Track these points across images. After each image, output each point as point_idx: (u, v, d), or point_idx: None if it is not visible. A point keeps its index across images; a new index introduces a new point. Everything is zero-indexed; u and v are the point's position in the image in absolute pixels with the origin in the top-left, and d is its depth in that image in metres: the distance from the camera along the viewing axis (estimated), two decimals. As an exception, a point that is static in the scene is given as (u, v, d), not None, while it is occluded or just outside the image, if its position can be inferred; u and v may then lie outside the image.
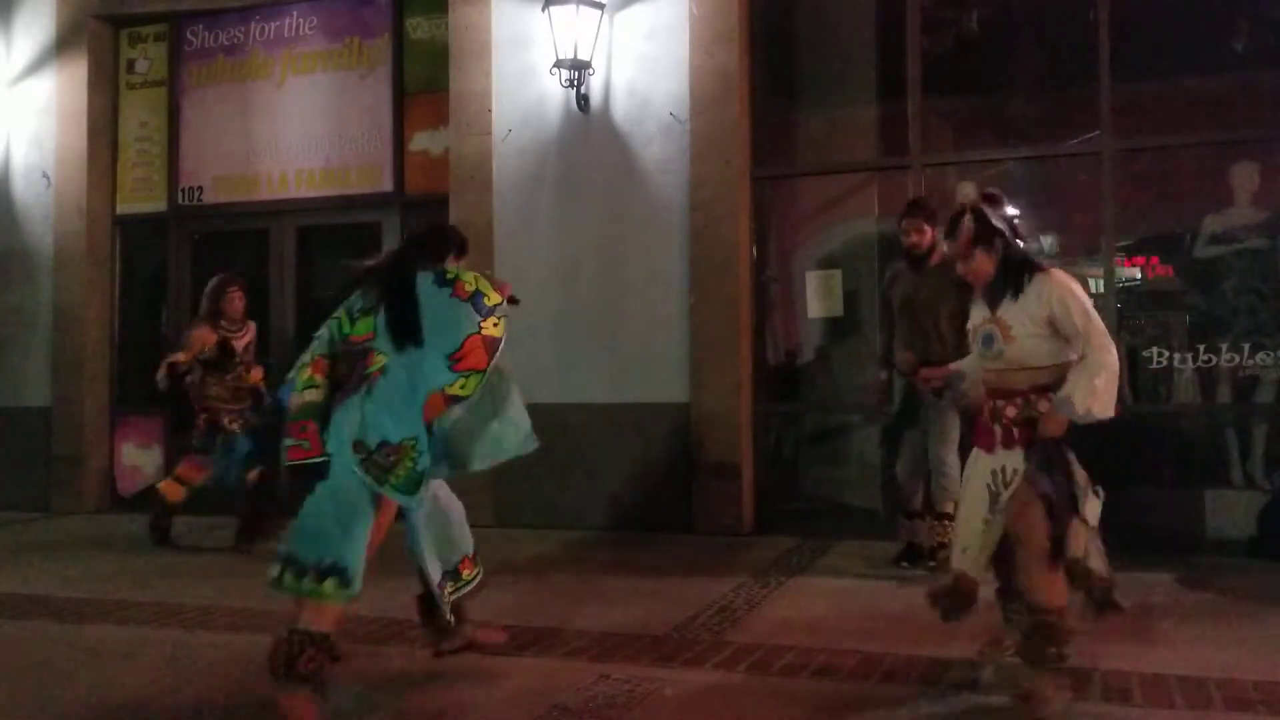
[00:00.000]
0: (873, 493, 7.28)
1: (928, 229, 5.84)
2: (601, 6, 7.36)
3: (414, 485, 3.64)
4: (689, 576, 5.83)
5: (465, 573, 4.06)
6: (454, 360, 3.64)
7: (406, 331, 3.69)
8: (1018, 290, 3.71)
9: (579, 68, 7.37)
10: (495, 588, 5.41)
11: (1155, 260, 7.23)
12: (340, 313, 3.86)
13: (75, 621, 5.08)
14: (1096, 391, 3.52)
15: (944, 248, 5.78)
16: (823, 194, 8.18)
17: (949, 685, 3.86)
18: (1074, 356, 3.61)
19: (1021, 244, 3.82)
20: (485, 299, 3.75)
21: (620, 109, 7.48)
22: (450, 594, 3.99)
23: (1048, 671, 3.50)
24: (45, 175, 8.99)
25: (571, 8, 7.25)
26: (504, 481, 7.52)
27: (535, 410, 7.73)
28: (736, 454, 7.19)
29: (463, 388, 3.67)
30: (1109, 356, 3.56)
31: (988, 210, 3.83)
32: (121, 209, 9.10)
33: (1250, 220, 6.62)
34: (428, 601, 4.04)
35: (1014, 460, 3.67)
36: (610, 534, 7.10)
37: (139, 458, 8.97)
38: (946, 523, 5.62)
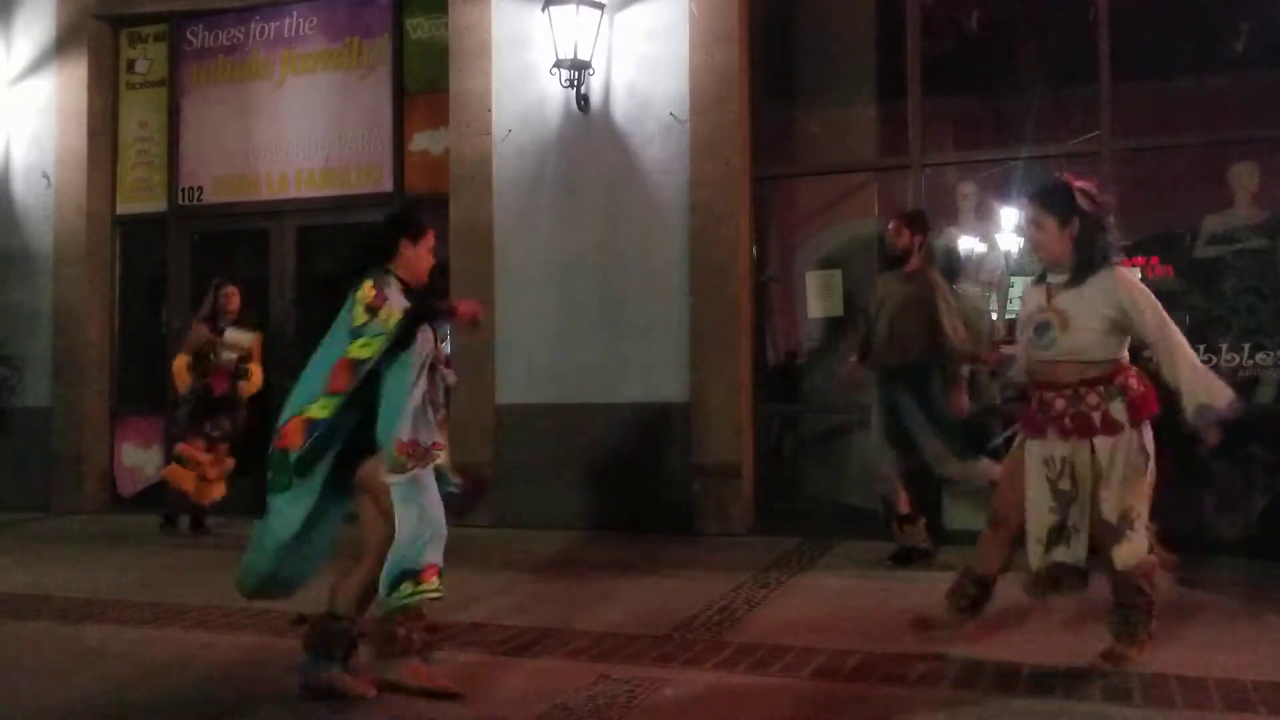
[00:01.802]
0: (873, 493, 7.27)
1: (906, 231, 6.02)
2: (601, 6, 7.36)
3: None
4: (689, 576, 5.83)
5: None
6: (326, 381, 3.73)
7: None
8: (1081, 280, 3.70)
9: (579, 68, 7.37)
10: (495, 588, 5.43)
11: (1155, 260, 7.22)
12: None
13: (76, 621, 5.08)
14: (1215, 383, 3.63)
15: (915, 259, 6.01)
16: (823, 194, 8.18)
17: (949, 685, 3.85)
18: (1125, 354, 3.71)
19: (1105, 237, 3.79)
20: (354, 320, 3.73)
21: (620, 109, 7.48)
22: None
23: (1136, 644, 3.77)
24: (45, 175, 8.99)
25: (571, 8, 7.25)
26: (504, 482, 7.53)
27: (536, 410, 7.74)
28: (736, 454, 7.19)
29: (322, 408, 3.70)
30: (1188, 348, 3.68)
31: (1081, 190, 3.79)
32: (121, 209, 9.11)
33: (1250, 220, 6.62)
34: None
35: (1064, 449, 3.74)
36: (610, 534, 7.10)
37: (139, 458, 8.97)
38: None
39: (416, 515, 3.74)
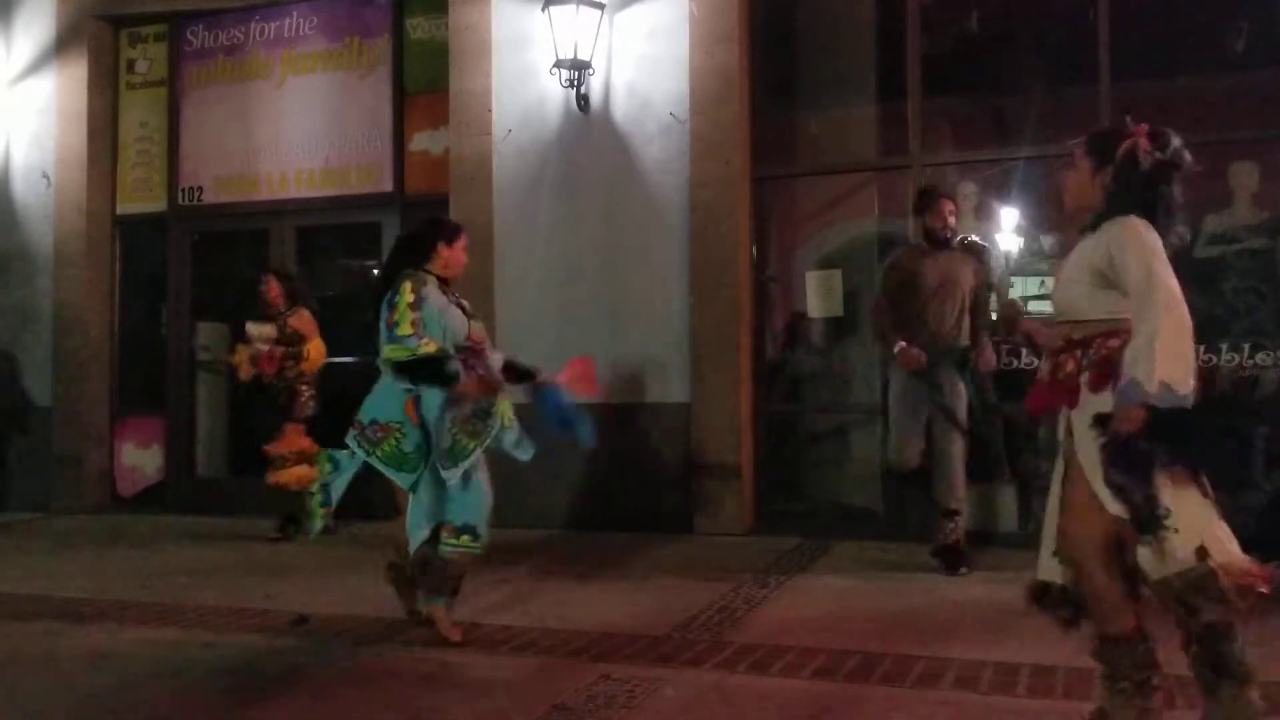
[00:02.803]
0: (873, 493, 7.28)
1: (957, 211, 5.97)
2: (601, 6, 7.36)
3: (398, 463, 4.37)
4: (689, 576, 5.83)
5: (444, 535, 4.48)
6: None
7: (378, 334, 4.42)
8: (1094, 229, 3.14)
9: (579, 68, 7.37)
10: (495, 588, 5.43)
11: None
12: None
13: (75, 621, 5.08)
14: (1160, 357, 2.79)
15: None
16: (823, 194, 8.18)
17: (949, 685, 3.85)
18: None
19: (1153, 193, 3.20)
20: (397, 329, 4.33)
21: (620, 109, 7.48)
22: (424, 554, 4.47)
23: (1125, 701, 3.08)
24: (45, 175, 8.99)
25: (571, 8, 7.25)
26: (504, 482, 7.51)
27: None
28: (736, 454, 7.19)
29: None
30: (1172, 314, 2.86)
31: (1140, 144, 3.21)
32: (121, 209, 9.11)
33: (1250, 220, 6.62)
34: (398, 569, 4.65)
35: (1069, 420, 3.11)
36: (610, 534, 7.10)
37: (139, 458, 8.97)
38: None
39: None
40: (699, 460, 7.21)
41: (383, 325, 4.35)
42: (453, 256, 4.55)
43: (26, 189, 9.05)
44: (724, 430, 7.18)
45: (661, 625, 4.71)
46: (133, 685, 4.08)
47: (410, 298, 4.31)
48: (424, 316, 4.32)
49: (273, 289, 7.29)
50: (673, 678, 3.98)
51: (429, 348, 4.30)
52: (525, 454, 4.73)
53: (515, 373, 4.72)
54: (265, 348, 7.15)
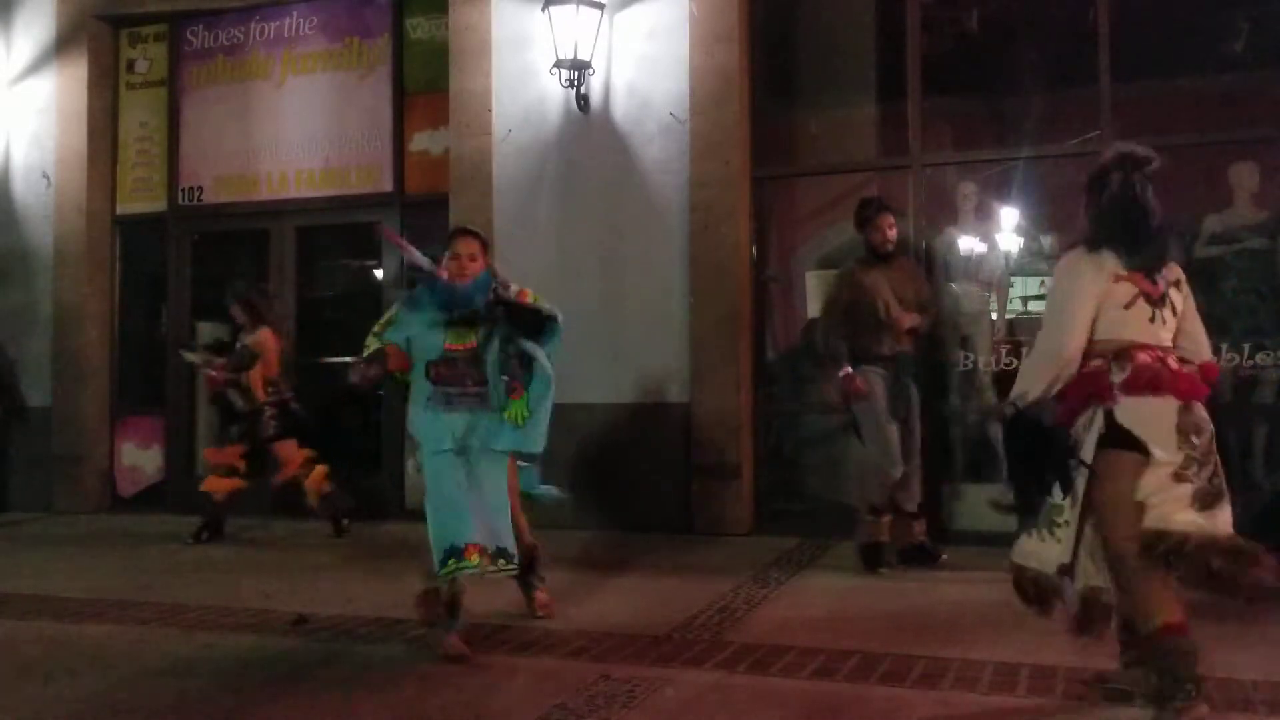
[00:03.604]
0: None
1: (895, 225, 6.11)
2: (601, 6, 7.36)
3: None
4: (689, 576, 5.83)
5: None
6: None
7: None
8: None
9: (579, 68, 7.37)
10: (494, 588, 5.43)
11: (1155, 260, 7.23)
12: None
13: (75, 621, 5.08)
14: (1021, 373, 3.59)
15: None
16: (823, 194, 8.17)
17: (949, 685, 3.85)
18: (1103, 343, 3.44)
19: (1122, 227, 3.46)
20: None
21: (620, 109, 7.48)
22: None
23: None
24: (45, 175, 8.99)
25: (571, 8, 7.25)
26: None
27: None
28: (736, 454, 7.19)
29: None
30: (1045, 343, 3.50)
31: (1113, 173, 3.51)
32: (121, 209, 9.11)
33: (1250, 220, 6.61)
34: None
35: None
36: (610, 534, 7.10)
37: (139, 458, 8.97)
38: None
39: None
40: (699, 460, 7.21)
41: None
42: (449, 265, 4.59)
43: (26, 189, 9.05)
44: (724, 430, 7.18)
45: (661, 625, 4.71)
46: (133, 685, 4.08)
47: (391, 313, 4.71)
48: (396, 324, 4.63)
49: (236, 314, 7.39)
50: (673, 678, 3.98)
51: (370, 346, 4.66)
52: (548, 495, 5.12)
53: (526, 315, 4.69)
54: (212, 371, 7.32)
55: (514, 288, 4.64)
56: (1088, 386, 3.44)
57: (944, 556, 5.98)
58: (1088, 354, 3.46)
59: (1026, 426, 3.47)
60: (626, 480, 7.32)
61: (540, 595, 4.93)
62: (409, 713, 3.73)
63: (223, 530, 7.37)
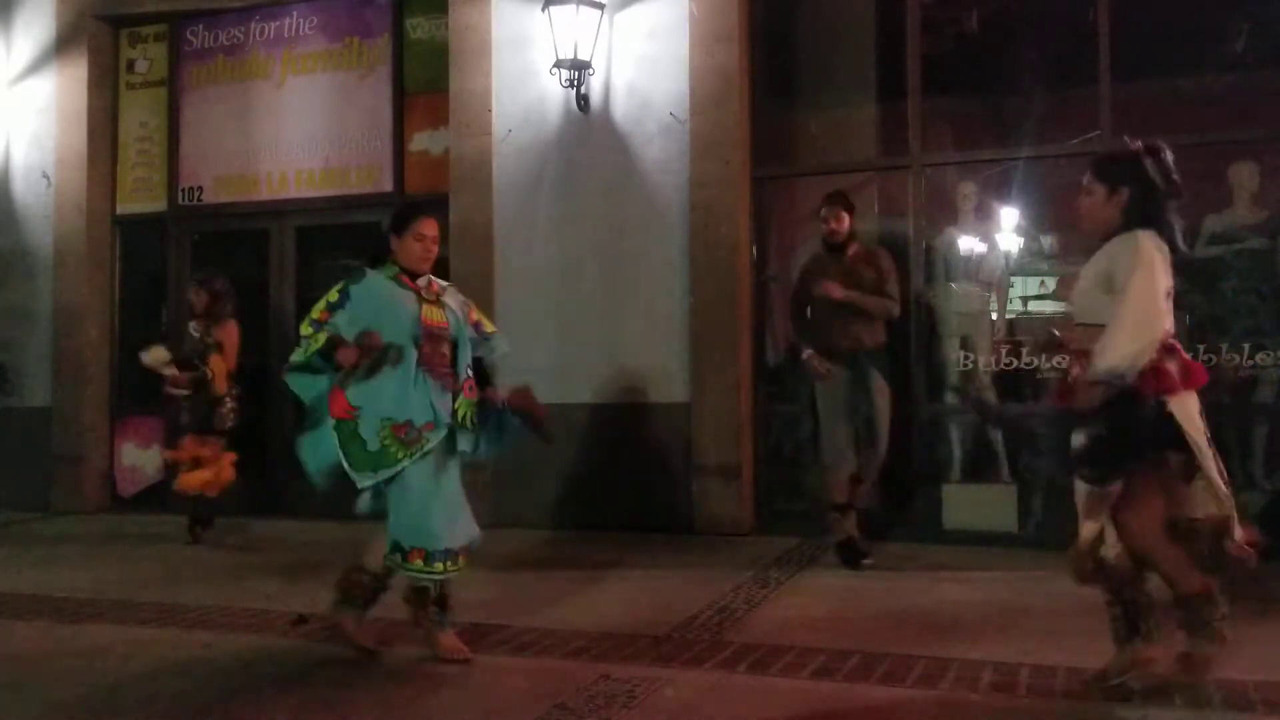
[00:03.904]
0: (872, 493, 7.26)
1: (846, 217, 6.12)
2: (601, 6, 7.36)
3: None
4: (689, 576, 5.83)
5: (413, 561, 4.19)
6: None
7: None
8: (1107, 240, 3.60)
9: (579, 68, 7.37)
10: (495, 588, 5.43)
11: (1155, 260, 7.23)
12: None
13: (75, 621, 5.08)
14: (1110, 345, 3.35)
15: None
16: (823, 194, 8.16)
17: (949, 685, 3.85)
18: None
19: (1161, 215, 3.61)
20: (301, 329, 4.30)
21: (620, 109, 7.48)
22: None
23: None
24: (45, 175, 8.99)
25: (571, 8, 7.25)
26: (504, 482, 7.52)
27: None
28: (736, 454, 7.19)
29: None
30: (1141, 318, 3.36)
31: (1157, 161, 3.66)
32: (121, 209, 9.11)
33: (1250, 220, 6.62)
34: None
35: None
36: (611, 534, 7.10)
37: (139, 458, 8.97)
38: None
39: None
40: (699, 460, 7.21)
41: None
42: (404, 246, 4.27)
43: (26, 189, 9.05)
44: (724, 430, 7.18)
45: (661, 625, 4.71)
46: (133, 685, 4.08)
47: (334, 297, 4.22)
48: (350, 315, 4.17)
49: (200, 299, 7.32)
50: (673, 678, 3.98)
51: (316, 343, 4.16)
52: (487, 453, 4.56)
53: (481, 377, 4.48)
54: (169, 372, 7.27)
55: (458, 298, 4.44)
56: (1158, 381, 3.41)
57: (868, 561, 5.95)
58: None
59: (1130, 402, 3.38)
60: (626, 480, 7.32)
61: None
62: (409, 713, 3.73)
63: (212, 522, 7.30)
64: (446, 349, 4.28)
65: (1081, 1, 6.85)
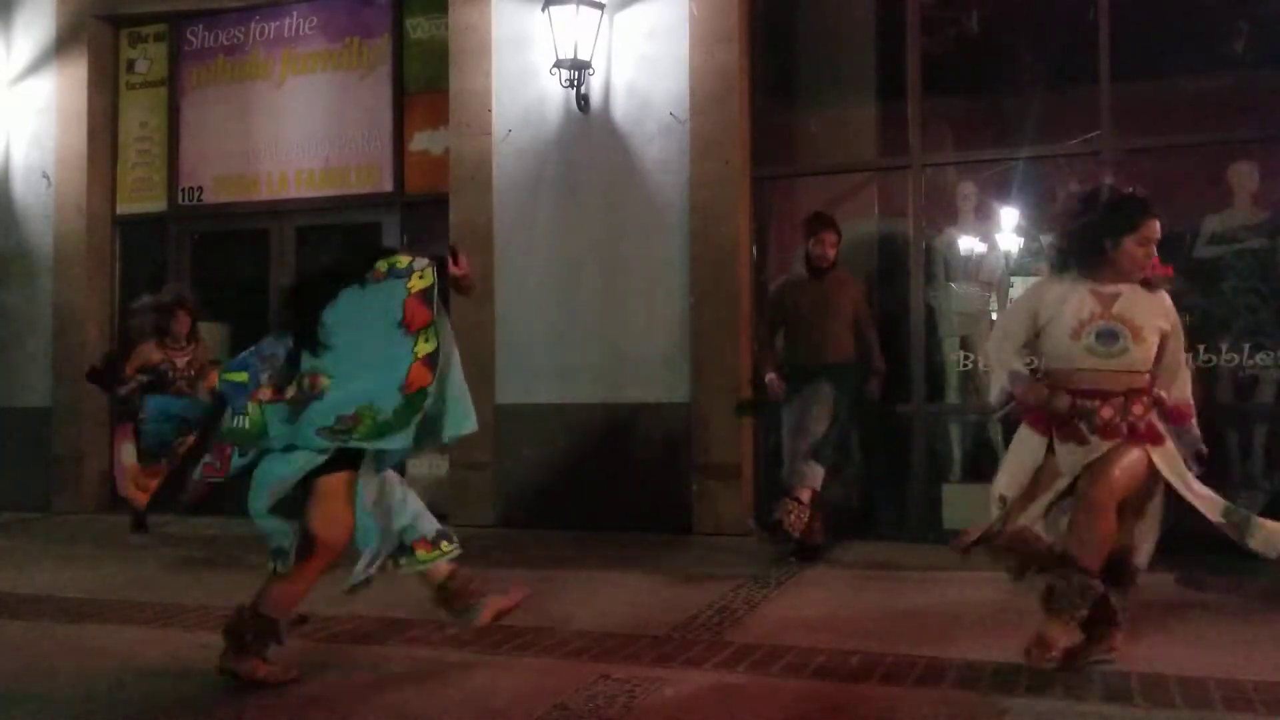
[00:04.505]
0: (872, 493, 7.28)
1: (834, 242, 6.34)
2: (601, 6, 7.36)
3: (379, 435, 3.85)
4: (689, 576, 5.83)
5: (420, 552, 4.19)
6: (404, 326, 3.90)
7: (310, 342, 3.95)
8: (1145, 290, 3.95)
9: (579, 68, 7.37)
10: (495, 588, 5.42)
11: (1155, 260, 7.22)
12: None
13: (75, 621, 5.08)
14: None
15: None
16: (823, 194, 8.16)
17: (949, 685, 3.85)
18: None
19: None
20: (398, 265, 4.01)
21: (620, 109, 7.48)
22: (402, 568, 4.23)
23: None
24: (45, 175, 8.99)
25: (571, 8, 7.25)
26: (505, 482, 7.53)
27: (536, 410, 7.78)
28: (736, 454, 7.19)
29: (427, 341, 3.89)
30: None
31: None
32: (121, 209, 9.11)
33: (1250, 220, 6.62)
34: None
35: (1095, 453, 3.85)
36: (610, 534, 7.09)
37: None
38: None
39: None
40: (699, 460, 7.21)
41: (386, 289, 4.09)
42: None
43: (26, 189, 9.05)
44: (724, 430, 7.18)
45: (661, 625, 4.71)
46: (133, 685, 4.08)
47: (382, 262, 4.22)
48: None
49: (183, 323, 7.30)
50: (673, 678, 3.98)
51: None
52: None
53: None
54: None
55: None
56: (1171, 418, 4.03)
57: (793, 560, 6.06)
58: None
59: None
60: (626, 480, 7.32)
61: None
62: (409, 713, 3.73)
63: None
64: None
65: (1081, 1, 6.85)
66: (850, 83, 7.80)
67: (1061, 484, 3.95)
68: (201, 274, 8.95)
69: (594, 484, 7.37)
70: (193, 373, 7.22)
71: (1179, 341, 4.00)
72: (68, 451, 8.82)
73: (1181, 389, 4.04)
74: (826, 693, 3.82)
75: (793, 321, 6.37)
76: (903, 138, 7.15)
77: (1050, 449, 3.97)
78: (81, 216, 8.89)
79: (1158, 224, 3.92)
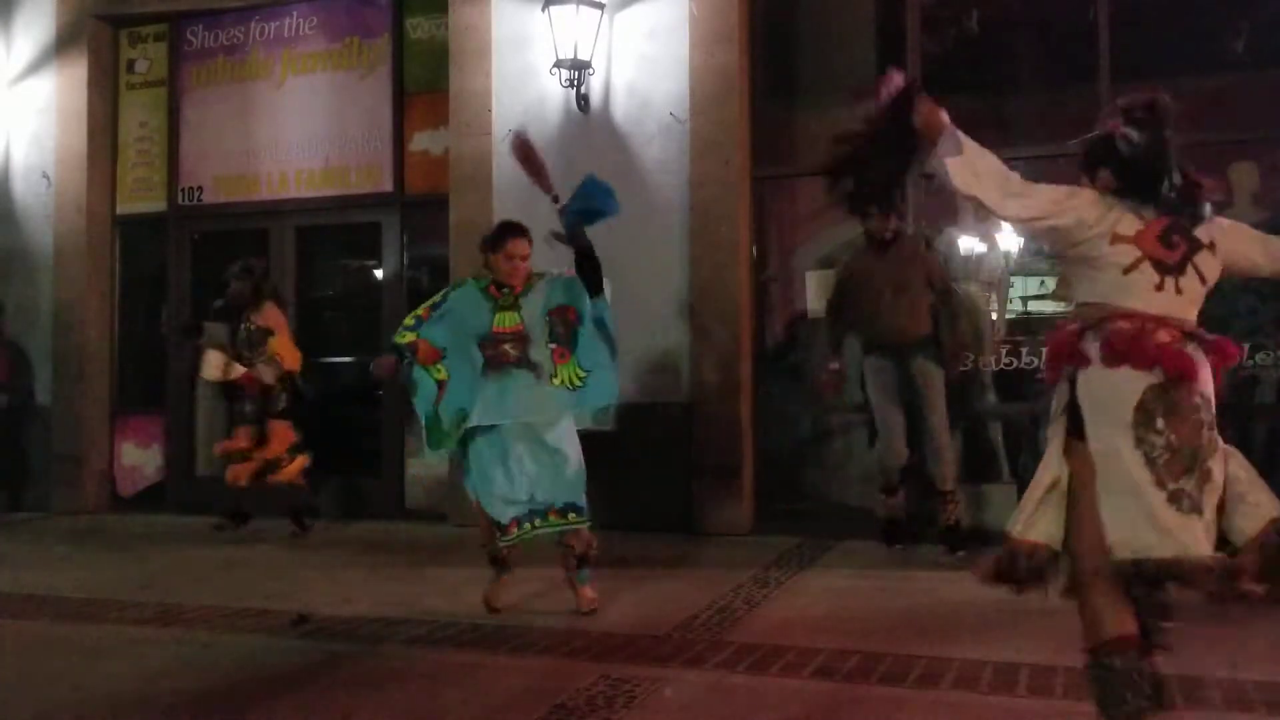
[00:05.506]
0: (872, 492, 7.26)
1: (892, 215, 6.20)
2: (601, 6, 7.36)
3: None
4: (689, 576, 5.84)
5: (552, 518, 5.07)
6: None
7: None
8: None
9: (579, 68, 7.37)
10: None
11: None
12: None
13: (75, 621, 5.08)
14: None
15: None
16: (823, 194, 8.16)
17: (949, 685, 3.85)
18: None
19: (1151, 181, 3.52)
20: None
21: (620, 109, 7.48)
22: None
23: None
24: (45, 175, 8.98)
25: (571, 8, 7.25)
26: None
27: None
28: (736, 454, 7.19)
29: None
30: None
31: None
32: (121, 209, 9.10)
33: (1250, 220, 6.59)
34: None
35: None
36: (610, 534, 7.06)
37: (139, 458, 8.97)
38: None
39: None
40: (699, 460, 7.20)
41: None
42: (497, 262, 5.15)
43: (26, 189, 9.05)
44: (724, 430, 7.18)
45: (661, 625, 4.71)
46: (133, 685, 4.08)
47: (438, 298, 5.15)
48: (443, 311, 5.07)
49: (244, 287, 7.38)
50: (673, 678, 3.98)
51: (403, 338, 5.02)
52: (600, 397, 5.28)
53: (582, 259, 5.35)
54: (236, 375, 7.33)
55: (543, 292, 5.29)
56: (1059, 346, 3.17)
57: (960, 554, 6.01)
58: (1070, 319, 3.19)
59: None
60: (626, 480, 7.30)
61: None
62: (409, 713, 3.73)
63: (249, 519, 7.35)
64: (515, 347, 4.97)
65: (1081, 1, 6.85)
66: (850, 83, 7.79)
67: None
68: (202, 274, 8.95)
69: (594, 484, 7.33)
70: (253, 364, 7.31)
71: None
72: (68, 451, 8.81)
73: None
74: (826, 693, 3.83)
75: (866, 299, 6.16)
76: (903, 138, 7.13)
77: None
78: (81, 216, 8.89)
79: None
